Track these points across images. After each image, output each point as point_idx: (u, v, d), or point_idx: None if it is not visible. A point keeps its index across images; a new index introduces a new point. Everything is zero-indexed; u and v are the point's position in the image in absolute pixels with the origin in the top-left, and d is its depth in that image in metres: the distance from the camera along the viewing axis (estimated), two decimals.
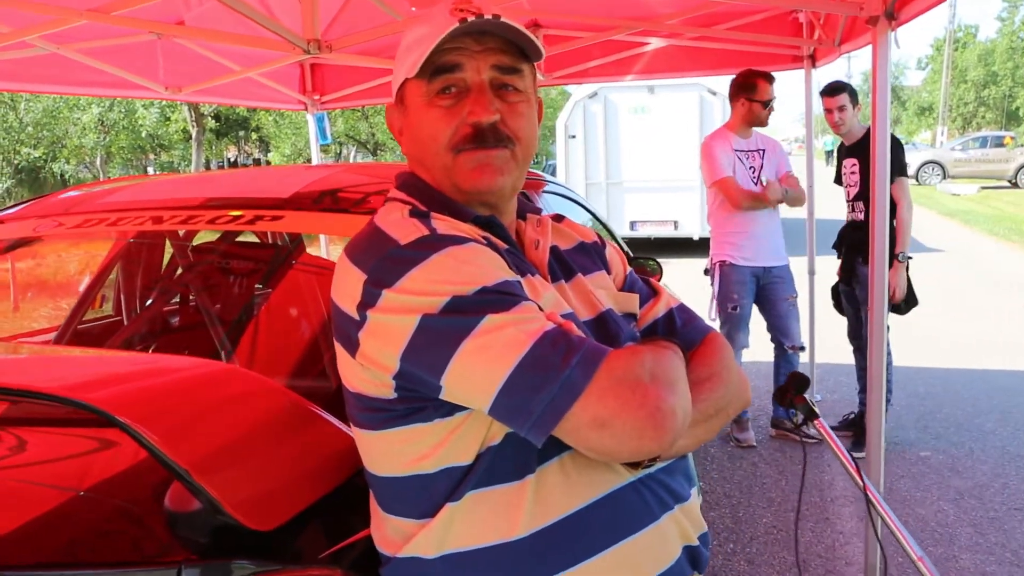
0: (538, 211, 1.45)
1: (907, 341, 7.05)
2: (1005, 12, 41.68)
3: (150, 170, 30.56)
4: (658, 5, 4.96)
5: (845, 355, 5.49)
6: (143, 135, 24.67)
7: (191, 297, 2.87)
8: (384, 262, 1.16)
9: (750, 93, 4.89)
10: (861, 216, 4.98)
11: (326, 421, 1.43)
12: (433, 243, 1.16)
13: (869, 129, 4.90)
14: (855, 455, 4.98)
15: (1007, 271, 11.79)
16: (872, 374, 2.95)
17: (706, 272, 5.28)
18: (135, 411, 1.14)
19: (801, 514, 4.26)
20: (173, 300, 2.84)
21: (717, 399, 1.29)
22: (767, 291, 5.07)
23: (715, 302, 5.12)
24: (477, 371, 1.10)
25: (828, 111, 4.93)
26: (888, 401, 5.10)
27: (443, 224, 1.21)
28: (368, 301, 1.15)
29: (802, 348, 5.23)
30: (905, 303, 4.84)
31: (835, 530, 4.05)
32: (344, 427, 1.42)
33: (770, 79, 4.87)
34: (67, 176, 29.12)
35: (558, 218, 1.52)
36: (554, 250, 1.39)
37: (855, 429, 5.12)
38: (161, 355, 2.09)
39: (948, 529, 4.02)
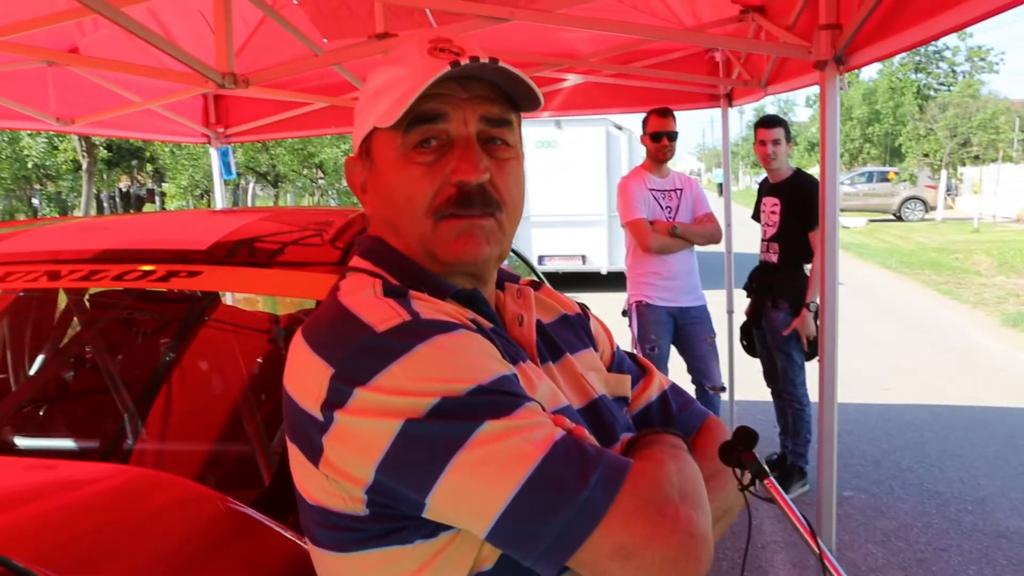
0: (516, 279, 1.27)
1: (818, 377, 7.12)
2: None
3: (35, 202, 29.09)
4: (578, 42, 4.89)
5: (764, 393, 5.47)
6: (28, 165, 23.42)
7: (88, 352, 2.59)
8: (357, 354, 0.95)
9: (644, 128, 4.89)
10: (775, 258, 4.94)
11: (264, 526, 1.21)
12: (416, 331, 0.96)
13: (796, 170, 4.94)
14: None
15: (902, 304, 12.20)
16: (823, 424, 2.87)
17: (624, 313, 5.19)
18: (33, 549, 0.89)
19: (733, 562, 4.17)
20: (70, 360, 2.55)
21: (725, 498, 1.13)
22: (685, 332, 5.01)
23: (634, 343, 5.04)
24: (473, 490, 0.90)
25: (762, 143, 4.85)
26: (807, 441, 5.10)
27: (425, 306, 1.01)
28: (335, 401, 0.94)
29: (723, 388, 5.18)
30: (811, 349, 4.81)
31: None
32: (283, 530, 1.21)
33: (663, 113, 4.81)
34: None
35: (535, 285, 1.32)
36: (538, 325, 1.20)
37: (777, 471, 5.09)
38: (60, 462, 1.81)
39: (879, 573, 3.99)
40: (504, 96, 1.10)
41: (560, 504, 0.89)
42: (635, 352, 1.45)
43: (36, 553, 0.88)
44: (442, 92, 1.04)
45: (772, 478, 2.04)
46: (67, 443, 2.22)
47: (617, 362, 1.32)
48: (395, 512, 0.96)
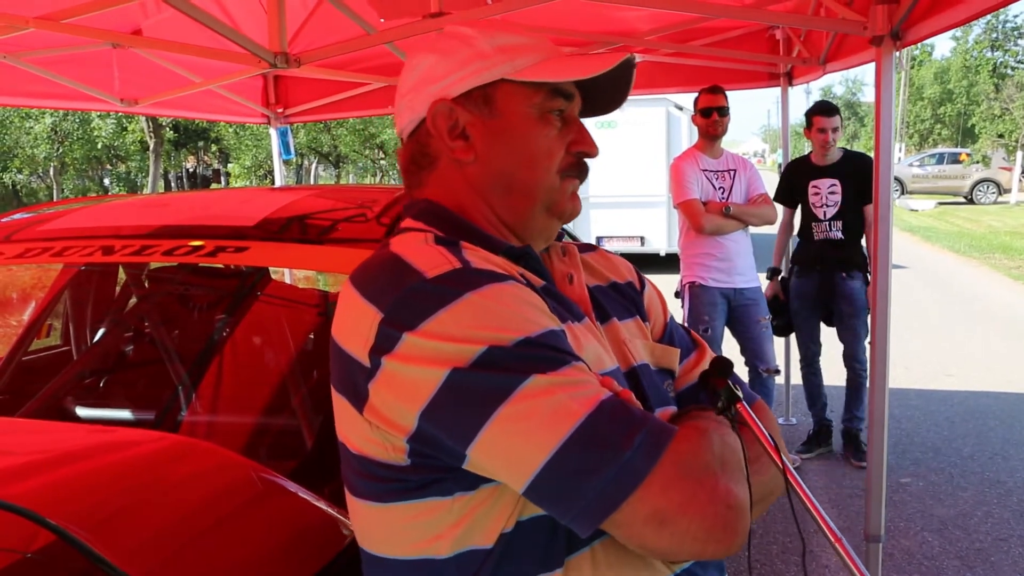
0: (559, 236, 1.26)
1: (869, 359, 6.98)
2: (959, 31, 42.49)
3: (106, 181, 29.91)
4: (636, 21, 4.84)
5: None
6: (99, 146, 24.08)
7: (146, 327, 2.66)
8: (406, 298, 0.96)
9: (695, 107, 4.87)
10: (839, 235, 4.99)
11: (293, 494, 1.23)
12: (467, 279, 0.97)
13: (845, 151, 5.02)
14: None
15: (970, 288, 11.86)
16: (873, 406, 2.82)
17: (677, 295, 5.15)
18: (68, 508, 0.92)
19: (784, 546, 4.13)
20: (127, 332, 2.62)
21: (766, 482, 1.10)
22: (739, 314, 4.95)
23: (686, 325, 4.99)
24: (515, 443, 0.91)
25: (822, 131, 4.94)
26: (860, 429, 5.05)
27: (476, 256, 1.02)
28: (384, 345, 0.95)
29: (777, 371, 5.11)
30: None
31: (820, 564, 3.91)
32: (314, 499, 1.24)
33: (713, 90, 4.76)
34: (19, 187, 28.42)
35: (589, 247, 1.34)
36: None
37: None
38: (98, 427, 1.87)
39: (934, 562, 3.91)
40: None
41: (602, 463, 0.90)
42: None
43: (69, 511, 0.92)
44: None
45: (744, 403, 2.09)
46: (122, 413, 2.29)
47: (668, 334, 1.31)
48: (436, 463, 0.97)
